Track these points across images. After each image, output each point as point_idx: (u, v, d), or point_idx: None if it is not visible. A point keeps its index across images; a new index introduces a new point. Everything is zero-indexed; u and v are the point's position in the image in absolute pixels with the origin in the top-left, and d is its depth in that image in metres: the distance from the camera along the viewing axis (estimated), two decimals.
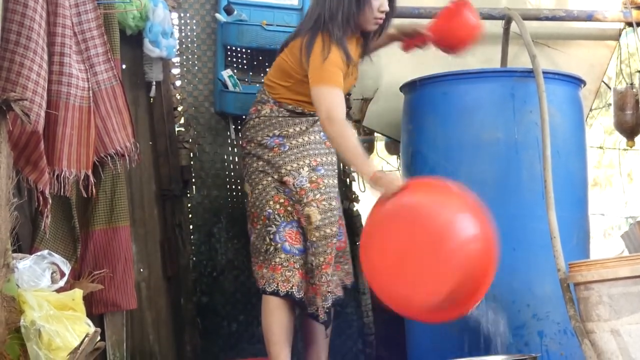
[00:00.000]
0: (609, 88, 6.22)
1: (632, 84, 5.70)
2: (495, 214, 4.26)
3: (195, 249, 5.00)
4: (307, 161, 4.37)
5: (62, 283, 3.19)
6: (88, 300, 4.00)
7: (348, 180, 5.45)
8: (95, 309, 4.15)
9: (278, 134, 4.39)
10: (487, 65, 5.07)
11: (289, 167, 4.35)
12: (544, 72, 4.27)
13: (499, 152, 4.35)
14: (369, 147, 6.65)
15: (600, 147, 9.81)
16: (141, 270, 4.65)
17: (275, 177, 4.36)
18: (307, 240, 4.30)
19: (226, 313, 5.01)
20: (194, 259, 4.99)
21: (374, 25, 4.33)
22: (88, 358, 2.79)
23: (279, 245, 4.32)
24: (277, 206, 4.34)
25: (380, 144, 7.14)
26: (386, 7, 4.31)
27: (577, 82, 4.58)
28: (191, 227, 5.01)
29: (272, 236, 4.34)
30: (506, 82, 4.40)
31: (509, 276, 4.25)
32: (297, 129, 4.41)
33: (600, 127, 9.84)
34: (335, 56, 4.19)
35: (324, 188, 4.35)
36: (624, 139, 5.93)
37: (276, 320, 4.30)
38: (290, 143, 4.38)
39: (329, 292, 4.32)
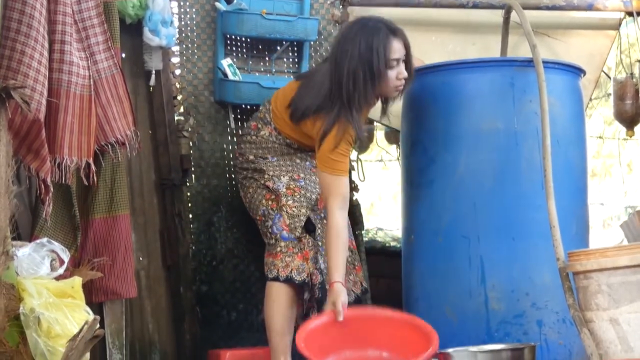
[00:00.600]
0: (609, 78, 6.21)
1: (632, 73, 5.69)
2: (495, 203, 4.29)
3: (194, 238, 5.00)
4: (289, 174, 4.48)
5: (61, 271, 3.20)
6: (88, 288, 4.01)
7: None
8: (95, 297, 4.16)
9: (271, 156, 4.53)
10: (486, 55, 5.05)
11: (271, 173, 4.46)
12: (543, 62, 4.26)
13: (498, 142, 4.35)
14: (369, 137, 6.66)
15: (600, 137, 9.81)
16: (140, 259, 4.65)
17: (263, 180, 4.46)
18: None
19: (225, 302, 5.01)
20: (194, 248, 4.99)
21: (395, 92, 4.34)
22: (87, 345, 2.79)
23: (278, 235, 4.37)
24: (270, 202, 4.43)
25: (380, 133, 7.15)
26: (404, 74, 4.25)
27: (577, 71, 4.58)
28: (191, 216, 5.01)
29: (271, 229, 4.40)
30: (506, 72, 4.39)
31: (508, 265, 4.26)
32: (285, 150, 4.53)
33: (600, 117, 9.85)
34: (346, 144, 4.24)
35: (298, 197, 4.42)
36: (624, 129, 5.93)
37: (278, 308, 4.31)
38: (278, 158, 4.51)
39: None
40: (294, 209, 4.39)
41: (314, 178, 4.52)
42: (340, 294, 4.08)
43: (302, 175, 4.50)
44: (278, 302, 4.32)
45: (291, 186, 4.43)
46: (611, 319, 3.60)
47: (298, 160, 4.55)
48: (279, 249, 4.36)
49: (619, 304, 3.58)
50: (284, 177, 4.45)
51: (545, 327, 4.25)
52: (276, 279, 4.32)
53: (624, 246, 3.77)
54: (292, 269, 4.32)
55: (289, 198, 4.40)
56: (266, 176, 4.46)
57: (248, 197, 4.54)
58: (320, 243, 4.37)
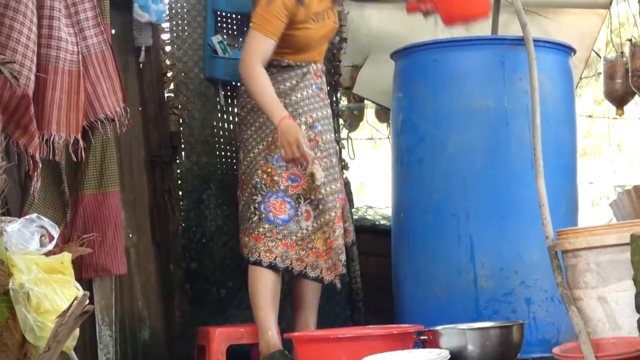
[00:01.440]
0: (599, 57, 6.23)
1: (622, 52, 5.71)
2: (484, 181, 4.30)
3: (184, 215, 5.00)
4: (303, 119, 4.37)
5: (50, 247, 3.19)
6: (78, 265, 4.01)
7: (337, 147, 5.45)
8: (85, 274, 4.15)
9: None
10: (477, 33, 5.05)
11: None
12: (534, 40, 4.26)
13: (488, 120, 4.35)
14: (359, 115, 6.65)
15: (590, 116, 9.82)
16: (130, 236, 4.64)
17: (266, 143, 4.36)
18: (313, 198, 4.32)
19: (215, 279, 5.01)
20: (183, 225, 4.98)
21: None
22: (77, 321, 2.79)
23: (263, 215, 4.33)
24: (265, 176, 4.34)
25: (370, 112, 7.15)
26: None
27: (567, 50, 4.58)
28: (180, 193, 5.00)
29: (257, 205, 4.35)
30: (496, 50, 4.40)
31: (497, 243, 4.27)
32: (288, 84, 4.40)
33: (590, 96, 9.85)
34: (282, 7, 4.22)
35: (323, 145, 4.37)
36: (614, 108, 5.94)
37: (261, 286, 4.32)
38: (284, 102, 4.35)
39: (341, 245, 4.36)
40: (325, 160, 4.36)
41: (326, 112, 4.46)
42: (297, 127, 4.15)
43: (314, 115, 4.40)
44: (262, 281, 4.32)
45: (312, 137, 4.34)
46: (599, 297, 3.61)
47: (304, 92, 4.42)
48: (261, 230, 4.32)
49: (607, 282, 3.60)
50: (301, 127, 4.28)
51: (534, 305, 4.27)
52: (258, 263, 4.31)
53: (613, 225, 3.79)
54: (276, 256, 4.30)
55: (317, 150, 4.34)
56: (270, 139, 4.34)
57: (247, 161, 4.43)
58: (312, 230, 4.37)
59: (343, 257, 4.37)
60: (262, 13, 4.25)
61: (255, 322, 4.35)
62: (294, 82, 4.41)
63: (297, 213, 4.33)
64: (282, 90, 4.38)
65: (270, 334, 4.28)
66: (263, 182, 4.35)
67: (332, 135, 4.47)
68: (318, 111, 4.42)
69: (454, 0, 4.46)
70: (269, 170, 4.35)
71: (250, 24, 4.31)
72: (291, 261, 4.33)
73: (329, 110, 4.51)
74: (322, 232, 4.34)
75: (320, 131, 4.39)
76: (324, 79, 4.52)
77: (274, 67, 4.39)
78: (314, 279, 4.37)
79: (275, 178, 4.33)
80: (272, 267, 4.30)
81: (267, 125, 4.35)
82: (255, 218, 4.34)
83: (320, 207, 4.33)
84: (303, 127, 4.32)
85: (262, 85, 4.24)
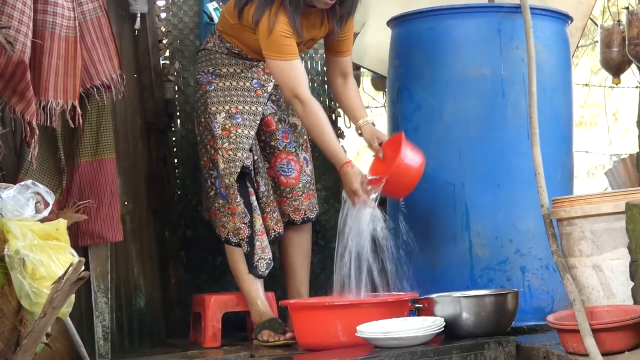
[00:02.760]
0: (596, 25, 6.21)
1: (619, 21, 5.69)
2: (480, 149, 4.30)
3: (180, 182, 5.00)
4: (226, 107, 4.33)
5: (46, 213, 3.19)
6: (74, 232, 4.01)
7: (333, 116, 5.45)
8: (81, 241, 4.16)
9: (212, 70, 4.39)
10: (474, 1, 5.03)
11: (210, 110, 4.33)
12: (531, 8, 4.25)
13: (484, 88, 4.34)
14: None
15: (586, 85, 9.81)
16: (126, 203, 4.65)
17: (204, 119, 4.37)
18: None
19: (211, 246, 5.02)
20: (179, 192, 4.99)
21: (324, 5, 4.17)
22: (72, 287, 2.79)
23: (218, 190, 4.34)
24: (212, 151, 4.34)
25: (366, 80, 7.14)
26: None
27: (564, 18, 4.57)
28: (176, 160, 5.00)
29: (213, 180, 4.37)
30: (493, 18, 4.38)
31: (492, 212, 4.27)
32: (231, 70, 4.37)
33: (587, 65, 9.84)
34: (285, 25, 4.09)
35: (234, 137, 4.30)
36: (610, 78, 5.93)
37: (238, 259, 4.33)
38: (217, 85, 4.35)
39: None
40: (229, 152, 4.27)
41: (255, 108, 4.35)
42: (357, 174, 4.11)
43: (240, 107, 4.32)
44: (237, 254, 4.32)
45: (227, 126, 4.30)
46: (594, 265, 3.62)
47: (241, 83, 4.37)
48: (217, 205, 4.34)
49: (602, 251, 3.60)
50: (220, 115, 4.31)
51: (529, 274, 4.27)
52: (226, 241, 4.35)
53: (608, 193, 3.79)
54: (228, 231, 4.31)
55: (225, 140, 4.28)
56: (208, 112, 4.33)
57: (199, 132, 4.43)
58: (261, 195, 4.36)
59: (264, 244, 4.33)
60: (270, 43, 4.11)
61: (242, 292, 4.36)
62: (238, 69, 4.37)
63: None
64: (224, 73, 4.36)
65: (260, 303, 4.30)
66: (212, 158, 4.36)
67: (253, 132, 4.32)
68: (246, 105, 4.35)
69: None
70: (217, 146, 4.33)
71: (266, 57, 4.17)
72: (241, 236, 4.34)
73: (260, 109, 4.37)
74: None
75: (237, 123, 4.30)
76: (271, 77, 4.37)
77: (225, 48, 4.36)
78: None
79: (217, 142, 4.30)
80: (227, 242, 4.33)
81: (201, 102, 4.38)
82: (212, 193, 4.37)
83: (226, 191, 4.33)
84: (223, 114, 4.30)
85: (322, 124, 4.15)
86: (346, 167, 4.13)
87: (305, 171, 4.49)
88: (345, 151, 4.35)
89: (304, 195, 4.49)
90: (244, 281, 4.34)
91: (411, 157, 4.10)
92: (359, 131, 4.35)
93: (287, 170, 4.45)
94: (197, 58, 4.48)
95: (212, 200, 4.37)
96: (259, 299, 4.30)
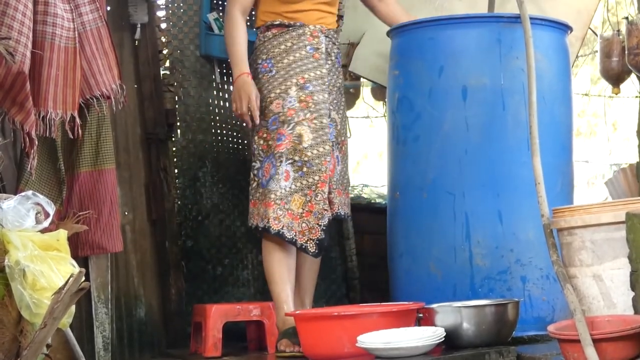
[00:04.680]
0: (596, 35, 6.21)
1: (618, 30, 5.69)
2: (480, 159, 4.30)
3: (180, 192, 4.99)
4: (294, 80, 4.38)
5: (46, 224, 3.19)
6: (74, 242, 4.01)
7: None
8: (81, 251, 4.15)
9: (265, 57, 4.43)
10: (474, 11, 5.03)
11: (277, 91, 4.36)
12: (530, 18, 4.25)
13: (484, 98, 4.35)
14: (355, 93, 6.63)
15: (586, 95, 9.80)
16: (126, 213, 4.65)
17: (261, 109, 4.36)
18: (297, 159, 4.30)
19: (211, 257, 5.02)
20: (179, 202, 4.99)
21: None
22: (72, 298, 2.79)
23: (260, 181, 4.35)
24: (261, 142, 4.37)
25: (366, 90, 7.12)
26: None
27: (564, 28, 4.57)
28: (176, 170, 5.00)
29: (255, 172, 4.38)
30: (493, 28, 4.39)
31: (492, 221, 4.27)
32: (283, 47, 4.42)
33: (586, 75, 9.83)
34: None
35: (313, 106, 4.35)
36: (610, 87, 5.93)
37: (275, 260, 4.33)
38: (277, 66, 4.40)
39: (324, 210, 4.32)
40: (314, 121, 4.34)
41: (320, 72, 4.43)
42: (252, 84, 4.32)
43: (305, 76, 4.39)
44: (275, 255, 4.32)
45: (302, 97, 4.36)
46: (594, 275, 3.62)
47: (297, 54, 4.42)
48: (257, 195, 4.35)
49: (602, 260, 3.60)
50: (291, 89, 4.36)
51: (529, 283, 4.27)
52: (255, 228, 4.34)
53: (608, 203, 3.78)
54: (283, 225, 4.29)
55: (306, 111, 4.34)
56: (272, 95, 4.37)
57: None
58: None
59: (324, 222, 4.32)
60: None
61: (271, 295, 4.37)
62: (288, 44, 4.42)
63: (277, 172, 4.30)
64: (277, 53, 4.41)
65: (287, 309, 4.28)
66: (260, 148, 4.36)
67: (326, 95, 4.42)
68: (310, 72, 4.41)
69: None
70: (265, 135, 4.37)
71: None
72: (268, 220, 4.29)
73: (324, 70, 4.45)
74: (302, 194, 4.30)
75: (311, 92, 4.37)
76: (321, 39, 4.46)
77: (270, 30, 4.43)
78: (288, 241, 4.31)
79: (270, 142, 4.33)
80: (279, 235, 4.28)
81: (262, 91, 4.39)
82: (254, 184, 4.38)
83: (305, 169, 4.30)
84: (294, 88, 4.35)
85: (236, 34, 4.40)
86: (246, 76, 4.35)
87: (337, 169, 4.48)
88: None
89: (336, 190, 4.46)
90: (275, 284, 4.33)
91: None
92: None
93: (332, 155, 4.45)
94: (250, 62, 4.48)
95: (254, 191, 4.38)
96: (286, 305, 4.29)
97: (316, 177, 4.31)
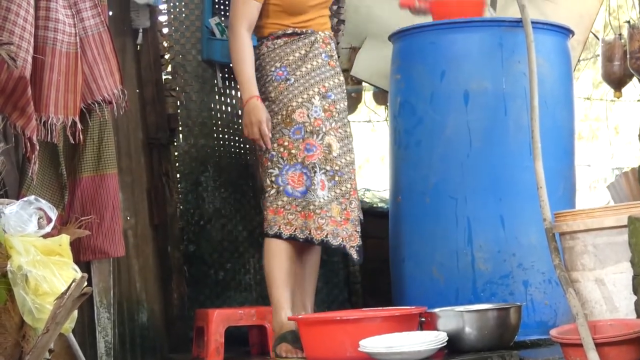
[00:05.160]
0: (597, 39, 6.22)
1: (620, 34, 5.70)
2: (482, 163, 4.30)
3: (182, 197, 4.99)
4: (316, 89, 4.34)
5: (48, 229, 3.18)
6: (76, 247, 4.01)
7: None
8: (83, 256, 4.15)
9: (280, 65, 4.37)
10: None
11: (299, 100, 4.32)
12: (532, 22, 4.26)
13: (486, 102, 4.35)
14: (357, 97, 6.64)
15: (588, 98, 9.81)
16: (128, 218, 4.64)
17: (280, 117, 4.32)
18: (329, 169, 4.28)
19: (213, 261, 5.02)
20: (181, 207, 4.98)
21: None
22: (75, 303, 2.79)
23: (281, 188, 4.30)
24: (281, 149, 4.31)
25: (368, 94, 7.14)
26: None
27: (565, 32, 4.58)
28: (178, 175, 5.00)
29: (274, 179, 4.32)
30: (495, 32, 4.39)
31: (495, 226, 4.28)
32: (297, 54, 4.37)
33: (588, 79, 9.84)
34: None
35: (337, 115, 4.35)
36: (611, 91, 5.93)
37: (277, 264, 4.30)
38: (295, 75, 4.35)
39: (359, 216, 4.35)
40: (339, 130, 4.33)
41: (338, 80, 4.41)
42: (263, 109, 4.24)
43: (327, 85, 4.37)
44: (279, 257, 4.30)
45: (326, 107, 4.32)
46: (597, 279, 3.62)
47: (314, 62, 4.37)
48: (280, 203, 4.30)
49: (604, 265, 3.60)
50: (314, 98, 4.32)
51: (532, 288, 4.27)
52: (278, 236, 4.28)
53: (611, 207, 3.78)
54: (295, 228, 4.26)
55: (332, 121, 4.32)
56: (294, 104, 4.32)
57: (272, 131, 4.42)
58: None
59: (359, 229, 4.34)
60: None
61: (270, 299, 4.34)
62: (302, 52, 4.37)
63: (313, 182, 4.29)
64: (292, 61, 4.35)
65: (284, 314, 4.27)
66: (280, 155, 4.32)
67: (345, 103, 4.43)
68: (330, 80, 4.38)
69: (448, 1, 4.43)
70: (286, 143, 4.31)
71: None
72: (310, 231, 4.27)
73: (341, 78, 4.46)
74: (338, 202, 4.29)
75: (334, 100, 4.35)
76: (332, 46, 4.46)
77: (280, 38, 4.37)
78: (336, 247, 4.31)
79: (293, 151, 4.30)
80: (292, 238, 4.27)
81: (280, 99, 4.33)
82: (273, 191, 4.32)
83: (337, 178, 4.29)
84: (317, 97, 4.31)
85: (243, 54, 4.31)
86: (256, 99, 4.26)
87: None
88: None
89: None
90: (275, 287, 4.31)
91: None
92: None
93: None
94: (256, 68, 4.42)
95: (273, 198, 4.31)
96: (284, 310, 4.28)
97: (348, 185, 4.32)
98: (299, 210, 4.28)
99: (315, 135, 4.28)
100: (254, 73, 4.31)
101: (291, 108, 4.31)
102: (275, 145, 4.32)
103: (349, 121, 4.46)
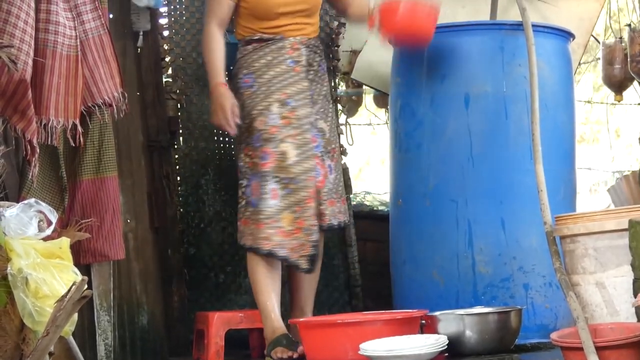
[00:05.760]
0: (598, 42, 6.22)
1: (621, 38, 5.70)
2: (483, 166, 4.30)
3: (182, 200, 5.00)
4: (275, 96, 4.31)
5: (49, 231, 3.18)
6: (76, 250, 4.01)
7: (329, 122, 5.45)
8: (83, 259, 4.15)
9: (246, 72, 4.37)
10: (476, 18, 5.04)
11: (260, 107, 4.30)
12: (533, 26, 4.25)
13: (487, 106, 4.35)
14: (358, 100, 6.64)
15: (588, 102, 9.82)
16: (128, 221, 4.64)
17: (245, 125, 4.31)
18: (283, 177, 4.24)
19: (213, 264, 5.02)
20: (181, 210, 4.99)
21: None
22: (75, 306, 2.79)
23: (250, 199, 4.28)
24: (247, 159, 4.30)
25: (368, 97, 7.14)
26: None
27: (566, 35, 4.57)
28: (178, 178, 5.01)
29: (244, 189, 4.31)
30: (495, 35, 4.39)
31: (495, 229, 4.27)
32: (263, 61, 4.35)
33: (589, 82, 9.84)
34: None
35: (296, 122, 4.30)
36: (612, 95, 5.94)
37: (259, 271, 4.28)
38: (258, 81, 4.33)
39: (313, 225, 4.27)
40: (298, 137, 4.28)
41: (301, 85, 4.35)
42: (228, 96, 4.27)
43: (287, 91, 4.32)
44: (259, 266, 4.28)
45: (284, 114, 4.29)
46: (597, 283, 3.61)
47: (278, 69, 4.34)
48: (247, 214, 4.27)
49: (605, 268, 3.60)
50: (273, 106, 4.29)
51: (532, 291, 4.27)
52: (256, 250, 4.26)
53: (611, 210, 3.78)
54: (274, 245, 4.22)
55: (289, 128, 4.28)
56: (255, 112, 4.30)
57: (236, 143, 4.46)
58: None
59: (314, 238, 4.27)
60: None
61: (257, 305, 4.33)
62: (269, 58, 4.35)
63: (265, 191, 4.25)
64: (258, 67, 4.34)
65: (274, 318, 4.26)
66: (247, 166, 4.31)
67: (309, 109, 4.35)
68: (292, 86, 4.34)
69: (398, 18, 4.33)
70: (250, 152, 4.30)
71: None
72: (258, 240, 4.24)
73: (306, 83, 4.38)
74: (291, 211, 4.24)
75: (293, 107, 4.31)
76: (302, 51, 4.38)
77: (250, 44, 4.37)
78: (281, 259, 4.27)
79: (255, 160, 4.28)
80: (270, 254, 4.25)
81: (244, 107, 4.32)
82: (243, 202, 4.31)
83: (292, 186, 4.24)
84: (275, 104, 4.28)
85: (211, 45, 4.36)
86: (223, 86, 4.30)
87: (328, 178, 4.44)
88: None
89: (328, 201, 4.41)
90: (260, 294, 4.29)
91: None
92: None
93: (317, 170, 4.40)
94: (233, 74, 4.46)
95: (243, 209, 4.30)
96: (274, 314, 4.27)
97: (303, 194, 4.26)
98: (253, 218, 4.26)
99: (269, 143, 4.25)
100: (221, 62, 4.35)
101: (253, 116, 4.29)
102: (242, 155, 4.33)
103: (335, 124, 4.40)
